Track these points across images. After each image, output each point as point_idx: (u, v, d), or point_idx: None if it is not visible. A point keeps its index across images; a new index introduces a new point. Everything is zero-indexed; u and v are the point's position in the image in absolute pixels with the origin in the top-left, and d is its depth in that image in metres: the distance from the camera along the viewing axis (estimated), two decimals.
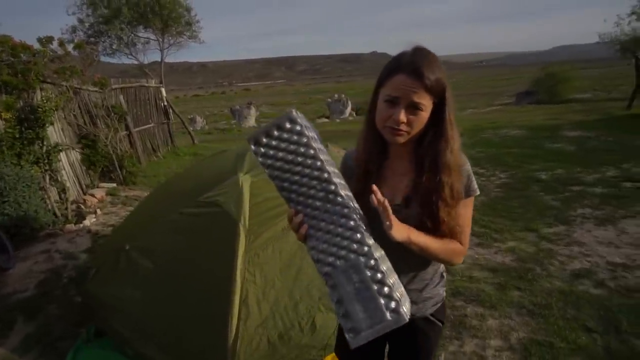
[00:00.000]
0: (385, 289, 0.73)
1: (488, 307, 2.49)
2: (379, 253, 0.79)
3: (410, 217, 1.02)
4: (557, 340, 2.14)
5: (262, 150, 0.83)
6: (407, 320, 0.74)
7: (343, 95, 18.14)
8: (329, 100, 18.35)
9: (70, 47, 5.77)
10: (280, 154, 0.81)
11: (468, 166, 1.05)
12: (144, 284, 2.16)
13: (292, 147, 0.81)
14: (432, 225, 1.00)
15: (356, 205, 0.85)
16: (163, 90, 9.06)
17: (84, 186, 5.54)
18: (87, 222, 4.45)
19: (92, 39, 9.16)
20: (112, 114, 6.29)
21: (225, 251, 2.03)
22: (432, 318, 1.19)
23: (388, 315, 0.72)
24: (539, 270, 2.91)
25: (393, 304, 0.72)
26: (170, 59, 10.31)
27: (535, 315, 2.38)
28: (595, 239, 3.38)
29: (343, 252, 0.78)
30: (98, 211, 4.83)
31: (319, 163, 0.80)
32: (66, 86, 5.17)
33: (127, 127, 7.04)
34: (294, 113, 0.82)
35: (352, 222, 0.79)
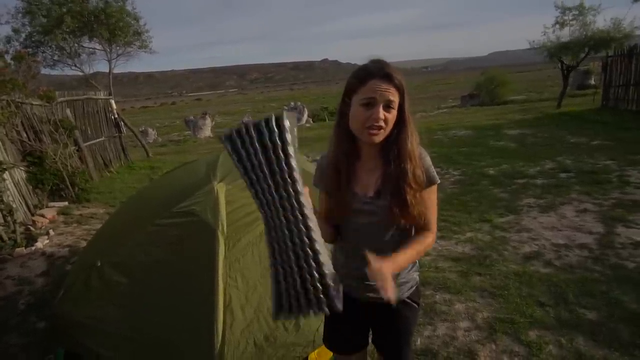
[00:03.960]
0: (311, 291, 0.88)
1: (454, 293, 2.69)
2: (323, 263, 0.90)
3: (382, 208, 1.15)
4: (516, 316, 2.38)
5: (231, 146, 0.89)
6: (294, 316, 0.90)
7: (299, 103, 18.30)
8: (286, 107, 18.42)
9: (8, 59, 5.40)
10: (247, 154, 0.88)
11: (428, 158, 1.19)
12: (121, 299, 2.10)
13: (256, 149, 0.88)
14: (400, 211, 1.12)
15: (309, 213, 0.93)
16: (113, 102, 8.67)
17: (31, 207, 5.17)
18: (39, 245, 4.16)
19: (30, 50, 8.56)
20: (60, 129, 5.93)
21: (205, 259, 2.04)
22: (408, 300, 1.31)
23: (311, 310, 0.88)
24: (495, 256, 3.18)
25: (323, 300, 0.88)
26: (115, 69, 9.88)
27: (496, 296, 2.62)
28: (541, 224, 3.75)
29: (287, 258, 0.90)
30: (51, 232, 4.53)
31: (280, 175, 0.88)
32: (7, 100, 4.82)
33: (75, 142, 6.67)
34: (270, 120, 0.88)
35: (299, 238, 0.89)
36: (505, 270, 2.95)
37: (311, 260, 0.88)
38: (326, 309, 0.89)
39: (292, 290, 0.89)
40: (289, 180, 0.88)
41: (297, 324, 2.09)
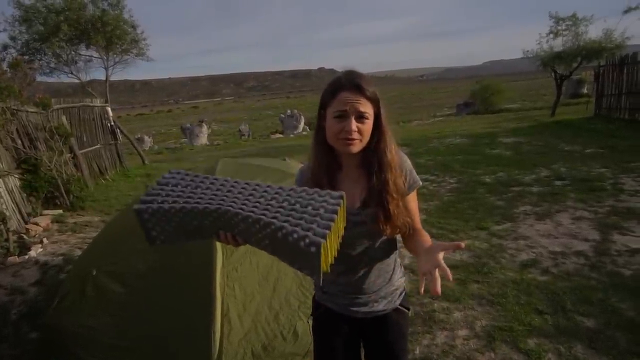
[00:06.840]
0: (296, 235, 0.82)
1: (453, 301, 2.68)
2: (285, 217, 0.88)
3: (369, 217, 1.14)
4: (515, 324, 2.37)
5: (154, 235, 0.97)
6: (321, 240, 0.80)
7: (296, 111, 18.35)
8: (282, 115, 18.47)
9: (4, 66, 5.39)
10: (164, 223, 0.94)
11: (408, 162, 1.20)
12: (117, 309, 2.08)
13: (166, 211, 0.93)
14: (385, 220, 1.12)
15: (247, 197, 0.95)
16: (109, 109, 8.65)
17: (25, 214, 5.11)
18: (32, 253, 4.11)
19: (27, 57, 8.55)
20: (56, 136, 5.90)
21: (203, 268, 2.02)
22: (400, 307, 1.31)
23: (310, 249, 0.81)
24: (493, 264, 3.18)
25: (307, 240, 0.81)
26: (111, 76, 9.88)
27: (494, 304, 2.61)
28: (537, 232, 3.77)
29: (262, 235, 0.89)
30: (44, 240, 4.48)
31: (189, 207, 0.92)
32: (3, 107, 4.80)
33: (71, 149, 6.63)
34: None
35: (250, 217, 0.89)
36: (503, 278, 2.95)
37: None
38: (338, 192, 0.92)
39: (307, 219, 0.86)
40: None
41: (295, 334, 2.07)
